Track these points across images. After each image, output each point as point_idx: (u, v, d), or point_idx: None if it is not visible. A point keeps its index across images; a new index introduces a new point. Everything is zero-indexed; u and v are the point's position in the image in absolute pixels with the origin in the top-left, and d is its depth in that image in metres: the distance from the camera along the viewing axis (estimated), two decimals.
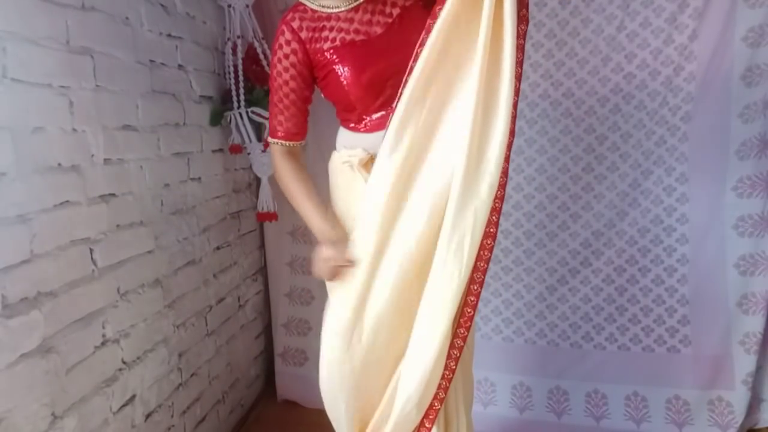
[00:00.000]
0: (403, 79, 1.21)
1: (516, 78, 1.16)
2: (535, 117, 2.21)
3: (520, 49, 1.17)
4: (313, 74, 1.34)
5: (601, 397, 2.23)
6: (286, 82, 1.33)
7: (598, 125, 2.17)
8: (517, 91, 1.17)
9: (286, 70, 1.32)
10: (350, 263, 1.28)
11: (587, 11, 2.10)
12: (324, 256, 1.31)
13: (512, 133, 1.19)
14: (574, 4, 2.11)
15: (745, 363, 2.08)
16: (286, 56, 1.31)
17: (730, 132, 2.05)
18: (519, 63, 1.17)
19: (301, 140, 1.42)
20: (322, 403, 2.04)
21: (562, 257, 2.25)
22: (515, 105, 1.17)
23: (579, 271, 2.25)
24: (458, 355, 1.29)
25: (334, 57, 1.29)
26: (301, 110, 1.38)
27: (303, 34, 1.30)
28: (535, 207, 2.26)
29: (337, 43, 1.29)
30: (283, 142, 1.39)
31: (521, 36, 1.17)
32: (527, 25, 1.19)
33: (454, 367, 1.29)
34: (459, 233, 1.18)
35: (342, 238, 1.32)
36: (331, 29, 1.30)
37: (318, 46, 1.30)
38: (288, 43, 1.30)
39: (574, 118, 2.18)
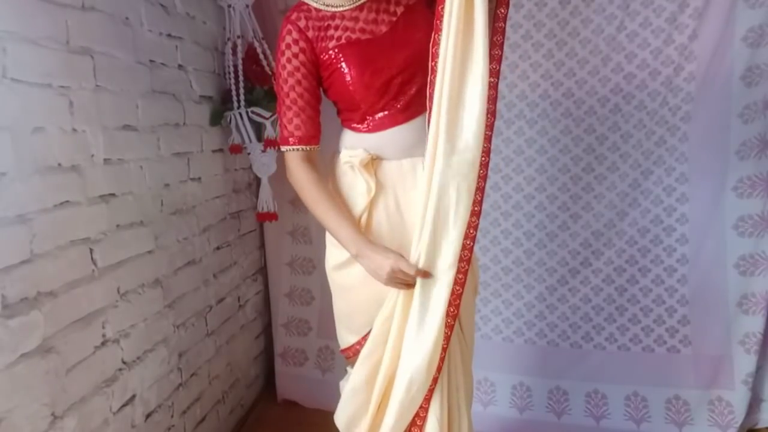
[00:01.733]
0: (428, 80, 1.21)
1: (495, 60, 1.18)
2: (535, 117, 2.21)
3: (499, 31, 1.19)
4: (320, 73, 1.33)
5: (601, 397, 2.23)
6: (299, 82, 1.30)
7: (598, 125, 2.17)
8: (496, 73, 1.19)
9: (297, 69, 1.30)
10: (425, 274, 1.23)
11: (587, 11, 2.11)
12: (392, 266, 1.24)
13: (493, 114, 1.19)
14: (574, 4, 2.11)
15: (745, 363, 2.08)
16: (296, 56, 1.29)
17: (730, 132, 2.05)
18: (499, 45, 1.19)
19: (317, 144, 1.36)
20: (322, 403, 2.04)
21: (562, 257, 2.25)
22: (495, 86, 1.19)
23: (579, 271, 2.25)
24: (449, 334, 1.28)
25: (340, 55, 1.28)
26: (316, 110, 1.35)
27: (310, 33, 1.29)
28: (535, 207, 2.26)
29: (343, 41, 1.29)
30: (302, 147, 1.33)
31: (501, 19, 1.19)
32: (507, 8, 1.20)
33: (446, 345, 1.29)
34: (443, 212, 1.19)
35: (385, 248, 1.29)
36: (336, 28, 1.29)
37: (324, 44, 1.29)
38: (296, 42, 1.29)
39: (574, 118, 2.18)
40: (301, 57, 1.29)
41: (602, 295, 2.24)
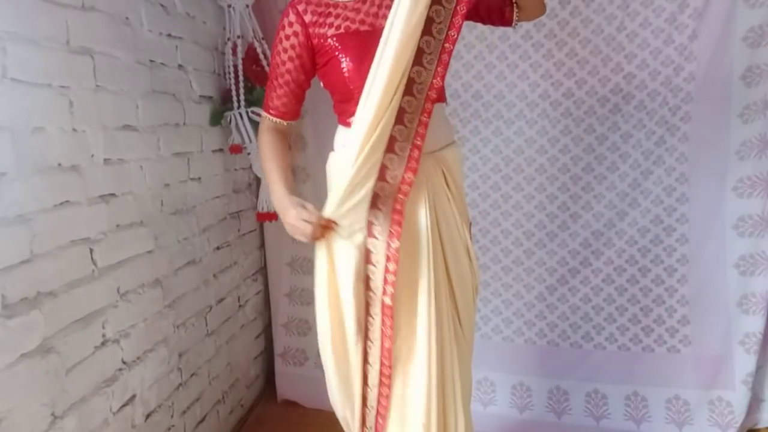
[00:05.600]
0: None
1: (460, 15, 1.20)
2: (535, 117, 2.21)
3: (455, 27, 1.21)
4: (314, 60, 1.36)
5: (601, 397, 2.23)
6: (284, 63, 1.36)
7: (598, 125, 2.17)
8: (457, 27, 1.21)
9: (285, 51, 1.34)
10: (331, 224, 1.26)
11: (587, 11, 2.11)
12: (298, 216, 1.25)
13: (449, 52, 1.22)
14: (574, 4, 2.11)
15: (745, 363, 2.08)
16: (287, 37, 1.33)
17: (730, 132, 2.05)
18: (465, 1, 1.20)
19: (290, 120, 1.44)
20: (322, 403, 2.03)
21: (562, 257, 2.25)
22: (453, 41, 1.21)
23: (579, 271, 2.25)
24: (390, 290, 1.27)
25: (338, 45, 1.30)
26: (295, 93, 1.40)
27: (307, 18, 1.32)
28: (535, 207, 2.26)
29: (342, 30, 1.31)
30: (274, 118, 1.42)
31: (458, 14, 1.20)
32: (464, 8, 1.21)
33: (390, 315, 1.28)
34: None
35: (304, 203, 1.30)
36: (337, 16, 1.32)
37: (322, 31, 1.31)
38: (290, 24, 1.32)
39: (574, 118, 2.18)
40: (293, 40, 1.33)
41: (602, 294, 2.24)
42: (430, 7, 1.18)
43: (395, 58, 1.16)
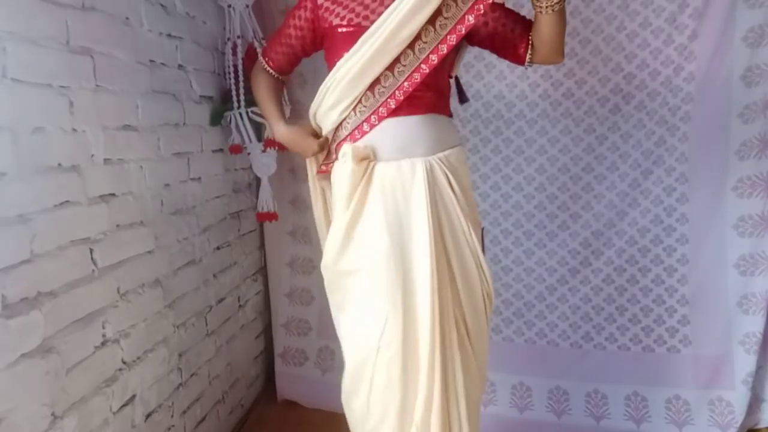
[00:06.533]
0: None
1: (447, 45, 1.28)
2: (535, 117, 2.22)
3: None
4: (318, 39, 1.45)
5: (601, 397, 2.23)
6: (289, 27, 1.48)
7: (598, 125, 2.17)
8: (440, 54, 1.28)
9: (293, 18, 1.47)
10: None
11: (587, 11, 2.11)
12: (318, 148, 1.45)
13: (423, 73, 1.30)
14: (574, 4, 2.11)
15: (745, 363, 2.08)
16: (298, 8, 1.45)
17: (730, 132, 2.05)
18: None
19: (281, 74, 1.58)
20: (322, 403, 2.04)
21: (562, 257, 2.25)
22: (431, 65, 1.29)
23: (579, 270, 2.25)
24: None
25: (339, 35, 1.35)
26: (289, 57, 1.54)
27: (320, 1, 1.40)
28: (535, 207, 2.26)
29: (345, 22, 1.35)
30: (267, 66, 1.56)
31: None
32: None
33: None
34: None
35: (311, 131, 1.50)
36: (346, 7, 1.36)
37: (330, 18, 1.38)
38: (305, 0, 1.43)
39: (574, 118, 2.18)
40: (302, 12, 1.44)
41: (602, 294, 2.24)
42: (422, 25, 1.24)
43: (374, 54, 1.28)
